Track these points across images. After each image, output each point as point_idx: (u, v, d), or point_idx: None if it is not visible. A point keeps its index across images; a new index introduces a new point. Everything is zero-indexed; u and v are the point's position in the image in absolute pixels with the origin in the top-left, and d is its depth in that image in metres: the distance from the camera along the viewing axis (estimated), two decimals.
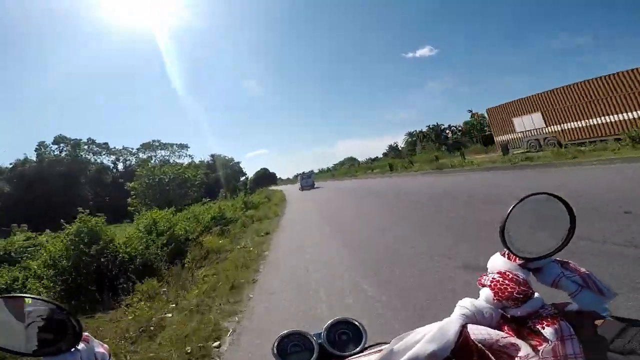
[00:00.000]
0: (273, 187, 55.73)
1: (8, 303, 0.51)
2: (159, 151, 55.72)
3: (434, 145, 54.61)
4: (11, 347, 0.49)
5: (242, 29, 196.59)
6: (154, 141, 55.33)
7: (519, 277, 0.48)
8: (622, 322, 0.41)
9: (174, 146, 56.26)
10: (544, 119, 20.17)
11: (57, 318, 0.50)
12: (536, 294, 0.47)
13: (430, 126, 60.09)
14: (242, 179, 59.62)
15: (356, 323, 0.76)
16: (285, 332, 0.74)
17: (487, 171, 14.57)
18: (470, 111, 52.63)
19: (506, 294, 0.46)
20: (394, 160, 40.10)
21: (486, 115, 26.05)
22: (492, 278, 0.49)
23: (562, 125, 19.07)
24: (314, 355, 0.69)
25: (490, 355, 0.40)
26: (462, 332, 0.43)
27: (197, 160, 58.19)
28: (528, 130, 21.27)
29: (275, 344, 0.71)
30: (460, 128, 56.10)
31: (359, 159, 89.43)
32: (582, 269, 0.50)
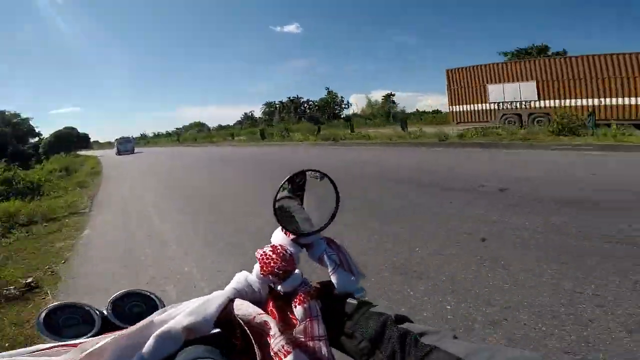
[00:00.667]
0: (84, 152, 39.53)
1: None
2: None
3: (293, 117, 53.98)
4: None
5: None
6: None
7: (286, 252, 0.48)
8: (355, 304, 0.44)
9: None
10: (538, 90, 14.71)
11: None
12: (297, 271, 0.47)
13: (291, 98, 59.98)
14: (34, 140, 41.27)
15: (149, 294, 0.69)
16: (56, 303, 0.64)
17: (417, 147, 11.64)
18: (328, 88, 55.38)
19: (269, 268, 0.46)
20: (265, 127, 35.09)
21: (445, 78, 17.79)
22: (263, 252, 0.48)
23: (560, 101, 14.10)
24: (95, 329, 0.61)
25: (248, 331, 0.41)
26: (228, 306, 0.44)
27: None
28: (509, 102, 15.57)
29: (42, 316, 0.60)
30: (316, 103, 58.27)
31: (208, 125, 79.53)
32: (343, 249, 0.52)
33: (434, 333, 0.37)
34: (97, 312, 0.64)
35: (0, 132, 36.65)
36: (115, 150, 32.12)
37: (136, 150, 31.33)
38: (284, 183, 0.52)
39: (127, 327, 0.54)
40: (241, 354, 0.42)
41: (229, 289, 0.47)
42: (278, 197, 0.51)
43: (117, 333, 0.41)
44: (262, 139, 23.77)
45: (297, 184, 0.53)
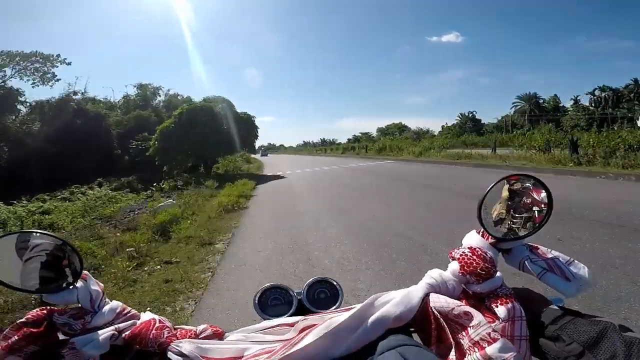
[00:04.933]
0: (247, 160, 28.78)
1: (18, 238, 0.52)
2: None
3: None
4: (14, 284, 0.50)
5: None
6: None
7: (486, 254, 0.50)
8: (561, 310, 0.45)
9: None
10: None
11: (60, 254, 0.52)
12: (498, 274, 0.48)
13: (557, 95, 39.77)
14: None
15: (334, 283, 0.77)
16: (268, 284, 0.76)
17: None
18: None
19: (471, 268, 0.48)
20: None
21: None
22: (462, 252, 0.51)
23: None
24: (292, 310, 0.72)
25: (444, 323, 0.44)
26: (425, 299, 0.46)
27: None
28: None
29: (257, 296, 0.74)
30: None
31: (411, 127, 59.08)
32: (549, 254, 0.52)
33: None
34: (295, 295, 0.74)
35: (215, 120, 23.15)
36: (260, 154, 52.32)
37: None
38: (492, 187, 0.53)
39: (315, 310, 0.69)
40: (435, 345, 0.44)
41: (423, 284, 0.49)
42: (483, 199, 0.52)
43: (331, 315, 0.48)
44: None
45: (510, 189, 0.54)
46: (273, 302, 0.74)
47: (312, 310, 0.70)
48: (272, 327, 0.51)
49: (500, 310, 0.43)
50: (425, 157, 17.70)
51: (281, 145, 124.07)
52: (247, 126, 19.85)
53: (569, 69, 69.12)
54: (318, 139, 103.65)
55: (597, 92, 33.54)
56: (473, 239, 0.54)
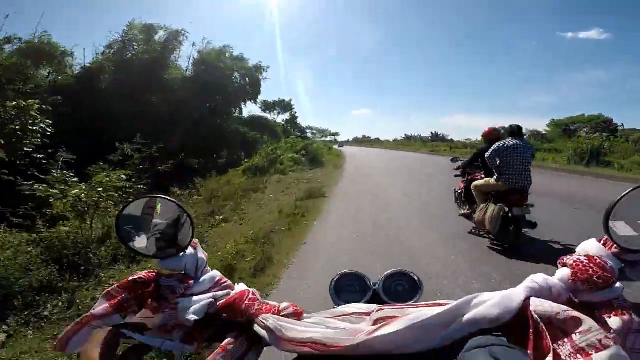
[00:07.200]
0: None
1: (146, 203, 0.57)
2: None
3: None
4: (138, 248, 0.55)
5: None
6: None
7: (607, 263, 0.48)
8: None
9: None
10: None
11: (176, 220, 0.56)
12: (617, 284, 0.47)
13: None
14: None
15: (415, 277, 0.76)
16: (346, 270, 0.78)
17: None
18: None
19: (586, 276, 0.46)
20: None
21: None
22: (578, 259, 0.49)
23: None
24: (365, 298, 0.72)
25: (544, 328, 0.41)
26: (524, 303, 0.45)
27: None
28: None
29: (335, 280, 0.76)
30: None
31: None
32: None
33: None
34: (371, 284, 0.74)
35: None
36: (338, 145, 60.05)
37: None
38: (624, 195, 0.49)
39: (389, 302, 0.69)
40: (530, 350, 0.42)
41: (524, 287, 0.48)
42: (613, 207, 0.49)
43: (410, 309, 0.48)
44: None
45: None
46: (348, 288, 0.76)
47: (386, 302, 0.70)
48: (348, 314, 0.52)
49: (615, 320, 0.42)
50: None
51: (377, 139, 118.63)
52: None
53: None
54: (428, 133, 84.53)
55: None
56: (591, 247, 0.52)
